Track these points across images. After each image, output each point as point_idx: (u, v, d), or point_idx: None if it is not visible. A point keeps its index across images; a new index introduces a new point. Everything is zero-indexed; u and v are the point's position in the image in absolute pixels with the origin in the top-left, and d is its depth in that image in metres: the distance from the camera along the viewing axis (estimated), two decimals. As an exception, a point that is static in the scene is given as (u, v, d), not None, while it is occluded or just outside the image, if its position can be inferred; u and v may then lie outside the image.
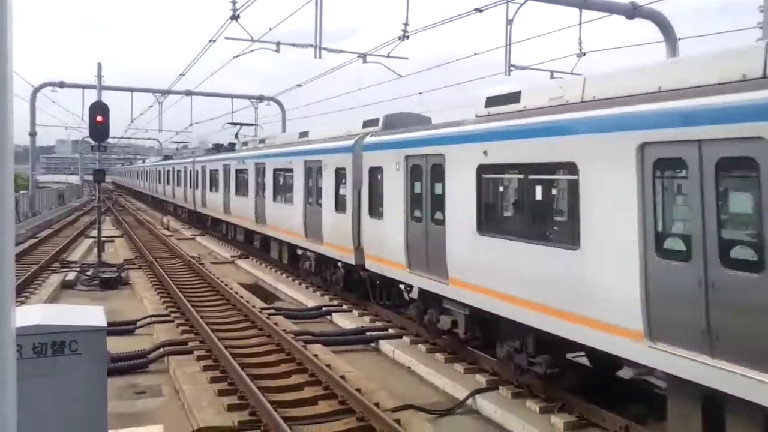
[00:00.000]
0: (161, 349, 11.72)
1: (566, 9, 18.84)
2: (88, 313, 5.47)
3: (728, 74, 6.45)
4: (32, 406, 4.54)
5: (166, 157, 56.47)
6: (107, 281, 19.13)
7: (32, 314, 5.20)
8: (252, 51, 21.43)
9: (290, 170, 19.11)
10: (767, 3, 15.24)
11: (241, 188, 25.11)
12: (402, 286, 14.35)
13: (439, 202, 11.27)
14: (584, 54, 18.97)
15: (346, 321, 14.63)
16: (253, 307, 14.84)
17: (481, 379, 10.25)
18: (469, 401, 9.62)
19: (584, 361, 9.71)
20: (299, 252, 19.11)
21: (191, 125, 46.24)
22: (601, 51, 21.38)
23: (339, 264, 16.12)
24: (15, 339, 1.65)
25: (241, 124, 33.59)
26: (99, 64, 29.07)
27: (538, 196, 9.48)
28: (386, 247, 13.10)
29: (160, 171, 51.35)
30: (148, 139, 72.65)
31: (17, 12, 1.11)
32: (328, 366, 10.32)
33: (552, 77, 20.26)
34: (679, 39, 19.05)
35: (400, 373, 11.39)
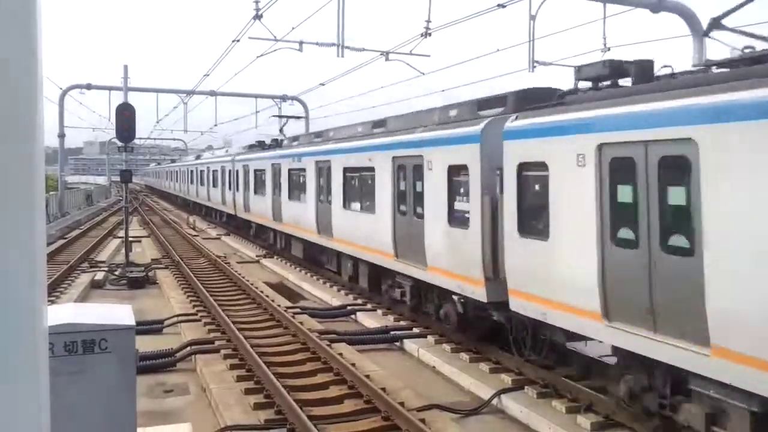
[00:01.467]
0: (188, 348, 11.85)
1: (590, 3, 18.67)
2: (117, 312, 5.55)
3: None
4: (63, 404, 4.62)
5: (198, 156, 52.15)
6: (135, 281, 19.38)
7: (63, 313, 5.29)
8: (275, 51, 21.56)
9: (369, 169, 15.28)
10: None
11: (296, 191, 21.40)
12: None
13: (679, 218, 7.19)
14: (609, 49, 18.76)
15: (370, 320, 14.64)
16: (279, 306, 14.93)
17: (507, 379, 10.20)
18: (495, 401, 9.57)
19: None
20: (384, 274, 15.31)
21: (216, 125, 46.67)
22: (627, 46, 21.12)
23: (455, 298, 11.85)
24: (48, 337, 1.68)
25: (288, 117, 30.13)
26: (125, 66, 29.52)
27: None
28: (557, 282, 8.96)
29: (192, 171, 47.27)
30: (174, 139, 73.51)
31: (44, 15, 1.13)
32: (353, 365, 10.35)
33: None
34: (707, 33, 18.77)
35: (425, 372, 11.38)
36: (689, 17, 19.00)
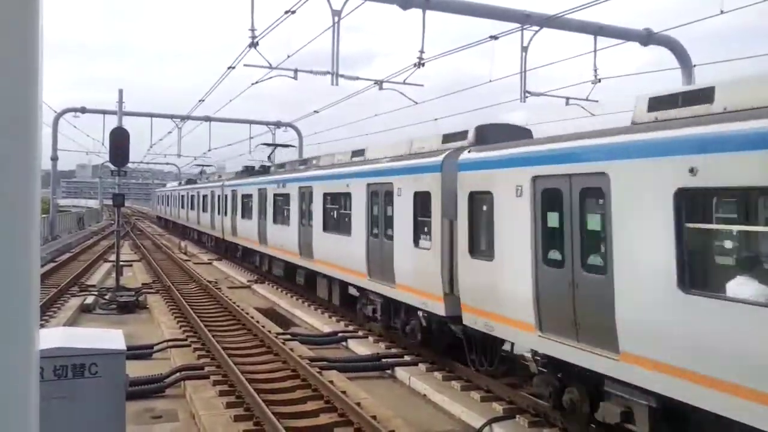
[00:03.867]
0: (178, 374, 11.74)
1: (581, 36, 18.94)
2: (107, 337, 5.51)
3: None
4: (52, 429, 4.56)
5: (189, 181, 52.07)
6: (125, 305, 19.24)
7: (53, 337, 5.25)
8: (270, 78, 21.68)
9: (346, 195, 16.29)
10: None
11: (281, 215, 22.08)
12: (505, 348, 11.58)
13: (594, 243, 8.36)
14: (599, 80, 19.01)
15: (361, 347, 14.57)
16: (269, 332, 14.84)
17: (498, 408, 10.15)
18: (486, 429, 9.50)
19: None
20: (356, 293, 16.37)
21: (209, 150, 46.78)
22: (617, 77, 21.37)
23: (420, 313, 12.90)
24: (39, 361, 1.67)
25: (276, 145, 30.67)
26: (120, 91, 29.54)
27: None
28: (501, 298, 9.98)
29: (183, 196, 47.80)
30: (167, 164, 73.53)
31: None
32: (344, 392, 10.28)
33: (567, 104, 20.31)
34: (695, 65, 19.09)
35: (416, 400, 11.30)
36: (678, 50, 19.32)
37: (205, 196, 37.90)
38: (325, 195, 17.79)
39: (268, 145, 30.33)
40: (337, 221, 17.24)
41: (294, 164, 23.71)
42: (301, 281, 20.79)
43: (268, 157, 29.53)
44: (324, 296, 18.76)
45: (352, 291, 16.97)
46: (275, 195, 22.74)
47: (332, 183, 17.37)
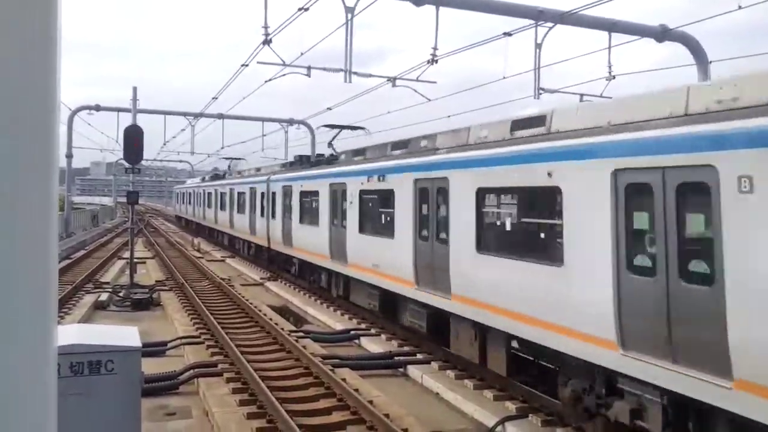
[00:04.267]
0: (191, 371, 11.79)
1: (595, 32, 18.84)
2: (123, 334, 5.53)
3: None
4: (67, 425, 4.58)
5: (215, 177, 45.21)
6: (139, 302, 19.36)
7: (69, 334, 5.28)
8: (284, 75, 21.72)
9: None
10: None
11: (373, 223, 15.98)
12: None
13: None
14: (614, 77, 18.92)
15: (374, 345, 14.57)
16: (282, 329, 14.88)
17: (511, 407, 10.11)
18: (499, 428, 9.48)
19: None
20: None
21: (222, 148, 46.91)
22: (631, 74, 21.25)
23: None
24: (57, 357, 1.67)
25: (342, 127, 22.53)
26: (134, 88, 29.77)
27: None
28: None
29: (209, 193, 41.97)
30: (180, 161, 73.94)
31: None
32: (356, 390, 10.28)
33: (581, 100, 20.21)
34: (711, 61, 18.95)
35: (429, 398, 11.29)
36: (693, 46, 19.16)
37: (241, 194, 31.63)
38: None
39: (333, 126, 22.56)
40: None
41: (385, 147, 16.36)
42: (419, 326, 13.68)
43: (329, 143, 22.48)
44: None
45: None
46: (362, 193, 16.27)
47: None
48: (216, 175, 45.97)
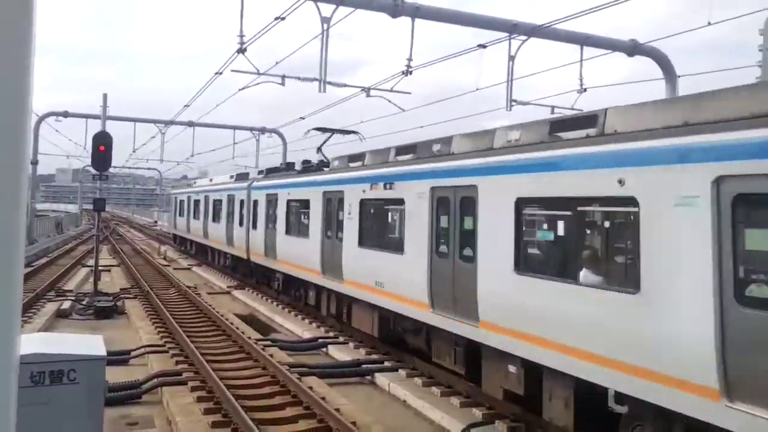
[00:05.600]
0: (155, 380, 11.65)
1: (568, 46, 19.17)
2: (87, 342, 5.45)
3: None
4: (27, 436, 4.51)
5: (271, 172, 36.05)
6: (102, 310, 19.03)
7: (30, 342, 5.18)
8: (257, 84, 21.62)
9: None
10: (766, 42, 15.55)
11: (377, 238, 14.44)
12: None
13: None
14: (585, 90, 19.25)
15: (341, 353, 14.56)
16: (249, 338, 14.78)
17: (477, 413, 10.20)
18: (464, 436, 9.54)
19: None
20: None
21: (192, 156, 46.48)
22: (602, 87, 21.61)
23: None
24: (18, 367, 1.66)
25: (334, 131, 21.19)
26: (105, 95, 29.37)
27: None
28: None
29: (182, 201, 39.52)
30: (149, 168, 72.97)
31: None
32: (323, 399, 10.27)
33: (552, 112, 20.50)
34: (679, 76, 19.44)
35: (396, 406, 11.32)
36: (662, 61, 19.64)
37: (217, 201, 29.79)
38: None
39: (324, 130, 20.80)
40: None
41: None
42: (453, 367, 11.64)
43: (319, 149, 20.73)
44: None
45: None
46: (363, 202, 14.65)
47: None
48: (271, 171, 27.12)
